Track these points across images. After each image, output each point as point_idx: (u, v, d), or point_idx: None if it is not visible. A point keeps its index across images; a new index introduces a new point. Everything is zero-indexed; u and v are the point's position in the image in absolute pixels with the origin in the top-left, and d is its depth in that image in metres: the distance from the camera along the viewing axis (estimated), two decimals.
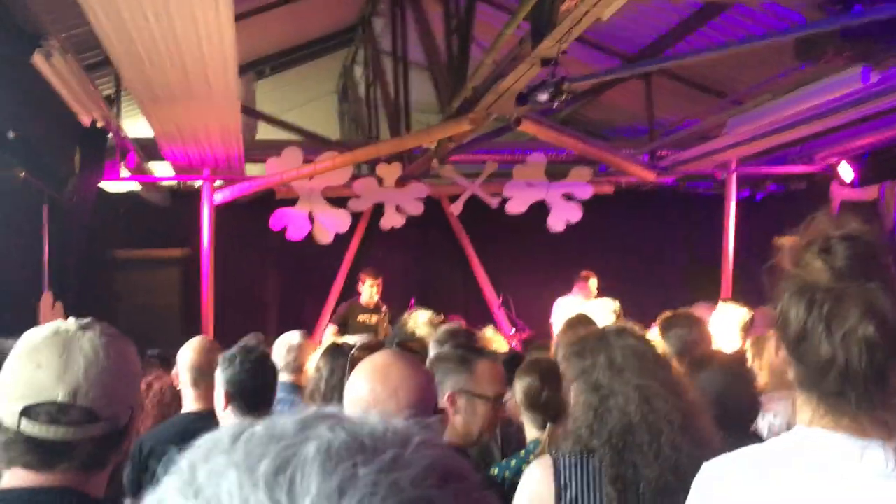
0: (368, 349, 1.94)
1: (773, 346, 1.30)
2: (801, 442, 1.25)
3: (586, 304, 6.68)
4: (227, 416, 2.71)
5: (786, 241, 1.32)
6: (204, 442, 0.48)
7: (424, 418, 1.64)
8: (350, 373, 1.73)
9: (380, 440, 0.46)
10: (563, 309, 7.20)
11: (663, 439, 1.89)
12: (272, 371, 2.84)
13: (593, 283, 7.46)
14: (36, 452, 1.29)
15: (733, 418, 2.82)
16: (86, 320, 1.42)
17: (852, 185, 8.23)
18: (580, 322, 4.37)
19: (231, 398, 2.71)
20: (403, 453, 0.45)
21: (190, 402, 3.20)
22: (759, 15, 6.42)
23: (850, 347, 1.18)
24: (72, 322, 1.40)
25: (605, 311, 4.90)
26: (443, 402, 2.21)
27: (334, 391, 3.13)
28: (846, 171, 8.18)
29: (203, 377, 3.12)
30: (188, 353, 3.23)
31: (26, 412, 1.28)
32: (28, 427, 1.28)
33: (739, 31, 6.75)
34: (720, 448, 1.88)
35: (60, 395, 1.28)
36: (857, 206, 8.05)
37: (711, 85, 8.13)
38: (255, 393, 2.72)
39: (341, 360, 3.24)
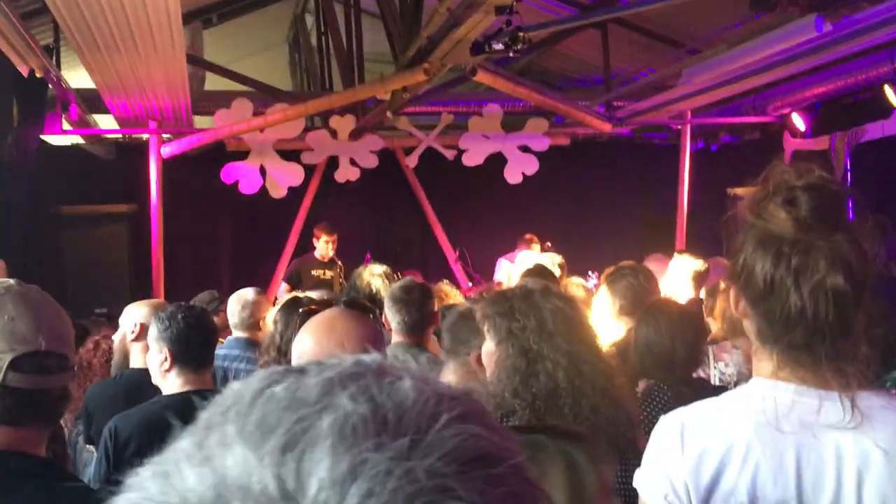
0: (317, 305, 1.90)
1: (732, 298, 1.28)
2: (760, 394, 1.24)
3: (532, 256, 6.74)
4: (171, 379, 2.64)
5: (742, 191, 1.29)
6: (228, 396, 0.45)
7: None
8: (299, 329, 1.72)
9: (405, 415, 0.42)
10: (505, 268, 7.28)
11: (584, 402, 1.89)
12: (214, 329, 2.80)
13: (536, 247, 7.43)
14: (16, 407, 1.28)
15: (679, 365, 2.86)
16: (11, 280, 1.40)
17: (804, 135, 8.31)
18: (539, 273, 4.38)
19: (175, 358, 2.64)
20: (426, 434, 0.41)
21: (138, 360, 3.14)
22: None
23: (818, 299, 1.17)
24: (11, 279, 1.37)
25: (550, 265, 4.93)
26: (471, 360, 2.22)
27: (289, 345, 3.11)
28: (798, 122, 8.25)
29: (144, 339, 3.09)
30: (137, 313, 3.17)
31: (15, 364, 1.26)
32: (15, 379, 1.26)
33: None
34: (634, 407, 1.90)
35: (44, 344, 1.28)
36: (810, 157, 8.15)
37: (668, 34, 8.10)
38: (202, 350, 2.65)
39: (296, 315, 3.21)
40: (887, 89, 7.02)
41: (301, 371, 0.45)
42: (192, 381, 2.64)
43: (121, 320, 3.35)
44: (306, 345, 1.66)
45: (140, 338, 3.12)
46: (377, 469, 0.39)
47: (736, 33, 6.81)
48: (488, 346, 2.03)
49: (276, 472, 0.39)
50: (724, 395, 1.32)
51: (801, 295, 1.18)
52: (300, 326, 1.70)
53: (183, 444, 0.43)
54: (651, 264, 4.70)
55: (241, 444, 0.41)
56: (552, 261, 5.61)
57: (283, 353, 3.17)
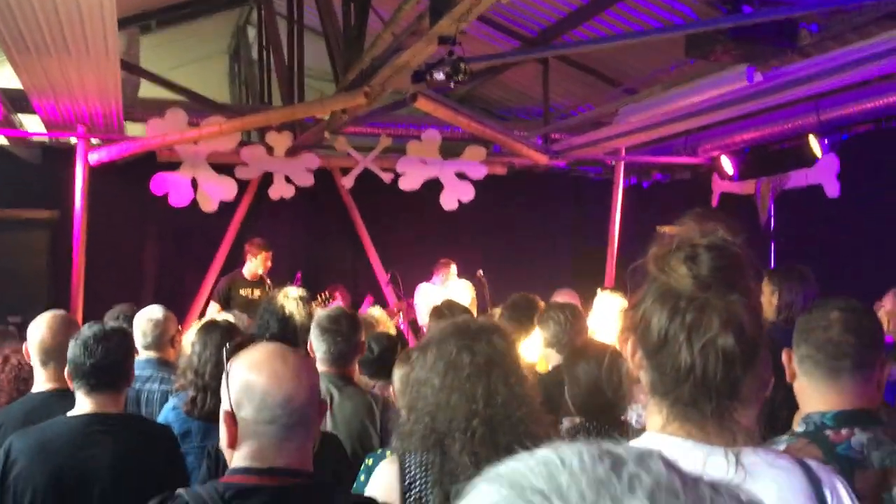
0: (244, 340, 1.83)
1: (630, 349, 1.29)
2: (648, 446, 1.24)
3: (447, 286, 6.86)
4: (80, 398, 2.59)
5: (669, 230, 1.31)
6: (564, 466, 0.46)
7: (316, 401, 1.60)
8: (228, 362, 1.64)
9: None
10: (424, 294, 7.57)
11: (500, 436, 1.90)
12: (117, 349, 2.66)
13: (453, 269, 7.74)
14: None
15: (604, 408, 2.88)
16: None
17: (732, 178, 8.57)
18: (448, 308, 4.39)
19: (71, 378, 2.60)
20: None
21: (41, 382, 3.00)
22: (654, 7, 6.54)
23: (707, 357, 1.18)
24: None
25: (463, 294, 4.97)
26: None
27: (206, 367, 3.06)
28: (727, 165, 8.51)
29: (51, 358, 2.95)
30: (38, 331, 3.02)
31: None
32: None
33: (635, 21, 6.86)
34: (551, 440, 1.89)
35: None
36: (736, 200, 8.40)
37: (606, 72, 8.27)
38: (94, 373, 2.57)
39: (215, 336, 3.15)
40: (812, 139, 7.30)
41: (618, 453, 0.47)
42: (95, 402, 2.58)
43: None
44: (259, 379, 1.56)
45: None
46: None
47: (671, 76, 7.00)
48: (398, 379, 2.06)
49: None
50: None
51: (692, 351, 1.19)
52: (228, 358, 1.62)
53: None
54: (561, 298, 4.77)
55: None
56: (466, 291, 5.66)
57: (199, 376, 3.10)
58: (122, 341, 2.71)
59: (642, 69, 7.71)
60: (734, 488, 0.47)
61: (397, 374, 2.75)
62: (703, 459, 1.18)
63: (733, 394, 1.20)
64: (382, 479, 1.96)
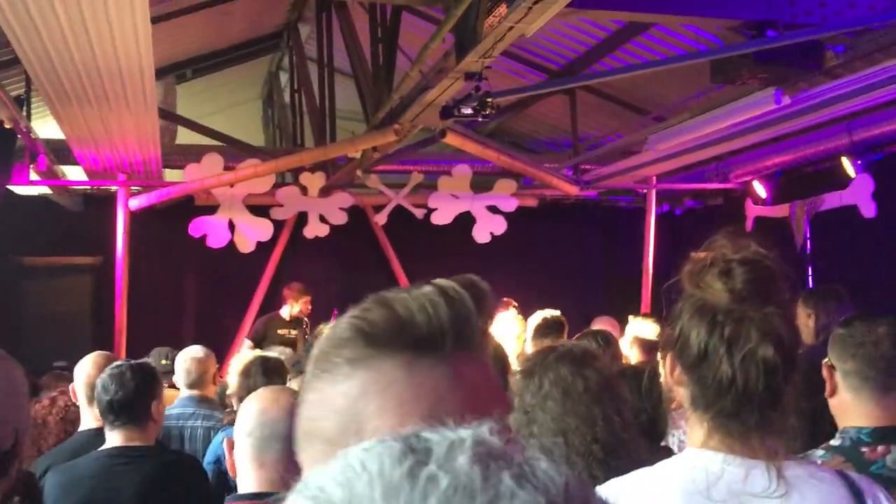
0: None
1: (668, 365, 1.31)
2: (691, 463, 1.26)
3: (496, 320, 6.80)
4: (107, 434, 2.70)
5: (689, 261, 1.33)
6: (364, 473, 0.43)
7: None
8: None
9: (571, 501, 0.43)
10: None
11: (612, 459, 1.90)
12: (133, 385, 2.73)
13: (513, 311, 7.46)
14: None
15: (644, 433, 2.87)
16: None
17: (765, 202, 8.51)
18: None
19: (100, 415, 2.73)
20: None
21: (89, 420, 3.09)
22: (678, 36, 6.59)
23: (748, 369, 1.21)
24: None
25: (512, 327, 4.99)
26: None
27: None
28: (759, 189, 8.45)
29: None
30: (83, 371, 3.12)
31: None
32: None
33: (660, 50, 6.91)
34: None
35: None
36: (771, 223, 8.34)
37: (633, 102, 8.31)
38: (111, 408, 2.67)
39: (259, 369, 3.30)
40: (845, 161, 7.24)
41: (427, 447, 0.45)
42: (119, 437, 2.69)
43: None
44: (250, 417, 1.81)
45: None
46: None
47: (698, 103, 7.02)
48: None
49: None
50: (658, 465, 1.34)
51: (732, 363, 1.21)
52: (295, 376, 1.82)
53: None
54: (600, 326, 4.76)
55: None
56: (515, 320, 5.67)
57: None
58: (137, 377, 2.76)
59: (669, 97, 7.74)
60: (547, 480, 0.43)
61: None
62: (744, 475, 1.20)
63: (775, 404, 1.22)
64: None
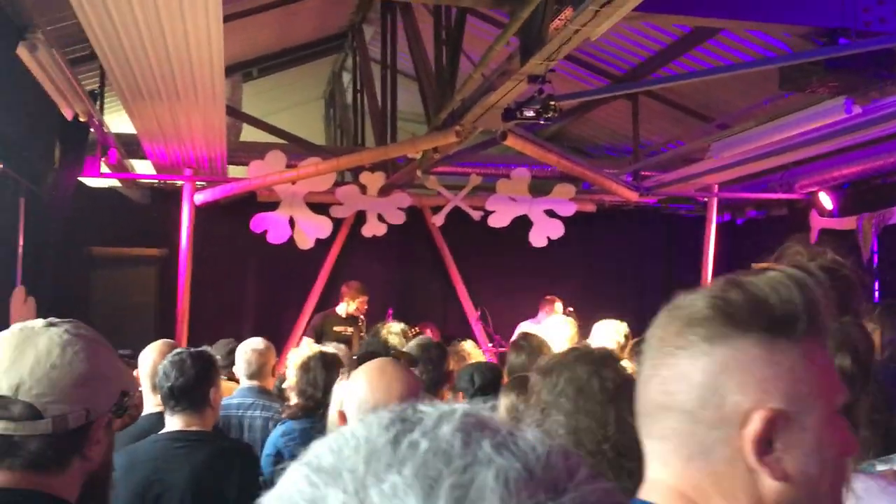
0: (368, 355, 2.06)
1: None
2: None
3: (547, 322, 6.69)
4: (167, 418, 2.79)
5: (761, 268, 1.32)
6: (353, 440, 0.45)
7: None
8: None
9: (550, 469, 0.44)
10: (526, 331, 7.13)
11: (625, 461, 1.90)
12: (192, 372, 2.81)
13: (558, 306, 7.42)
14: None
15: None
16: (57, 319, 1.41)
17: (831, 214, 8.31)
18: (524, 339, 4.39)
19: (161, 401, 2.82)
20: (574, 490, 0.43)
21: (151, 406, 3.19)
22: (746, 42, 6.49)
23: None
24: (40, 320, 1.39)
25: (563, 329, 4.95)
26: None
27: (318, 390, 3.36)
28: (826, 201, 8.26)
29: None
30: (147, 358, 3.22)
31: None
32: None
33: (726, 56, 6.81)
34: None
35: (3, 389, 1.28)
36: (836, 235, 8.13)
37: (697, 108, 8.20)
38: (171, 394, 2.75)
39: (319, 364, 3.38)
40: None
41: (418, 418, 0.46)
42: (178, 421, 2.77)
43: None
44: (359, 385, 1.86)
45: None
46: None
47: (765, 111, 6.89)
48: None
49: None
50: None
51: None
52: (351, 371, 1.91)
53: (332, 495, 0.42)
54: None
55: (415, 497, 0.41)
56: (567, 323, 5.64)
57: (308, 398, 3.33)
58: (197, 365, 2.83)
59: (735, 104, 7.61)
60: (528, 449, 0.44)
61: (504, 402, 2.79)
62: None
63: (848, 415, 1.21)
64: None
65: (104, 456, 1.41)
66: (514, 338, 7.43)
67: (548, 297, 7.62)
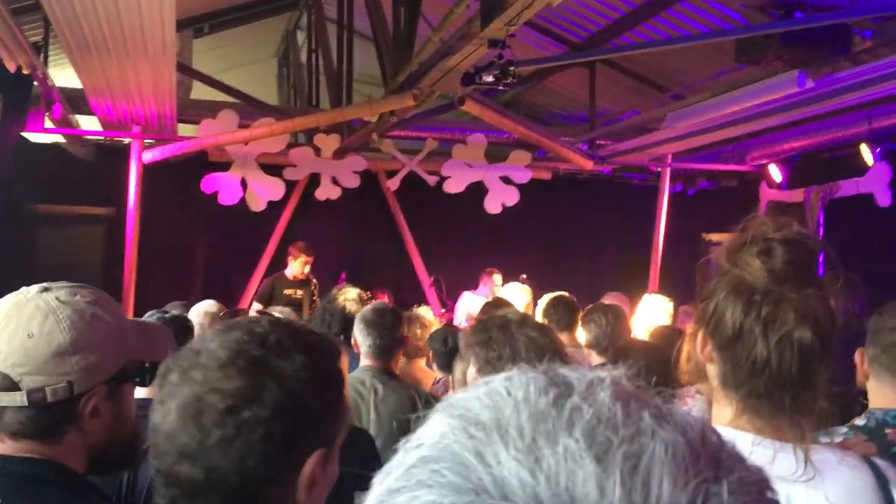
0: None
1: (699, 341, 1.30)
2: None
3: (504, 290, 6.75)
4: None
5: (716, 237, 1.32)
6: (511, 399, 0.45)
7: None
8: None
9: (709, 447, 0.44)
10: (466, 301, 7.23)
11: None
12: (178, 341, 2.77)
13: (497, 278, 7.46)
14: None
15: None
16: (53, 284, 1.33)
17: (780, 186, 8.46)
18: (498, 305, 4.42)
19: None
20: (731, 466, 0.44)
21: None
22: (703, 13, 6.51)
23: (783, 350, 1.19)
24: (36, 286, 1.32)
25: (519, 297, 4.99)
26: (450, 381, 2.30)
27: None
28: (775, 173, 8.40)
29: None
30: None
31: None
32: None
33: (683, 27, 6.84)
34: None
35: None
36: (784, 208, 8.29)
37: (653, 78, 8.24)
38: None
39: None
40: (863, 148, 7.18)
41: (567, 381, 0.46)
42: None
43: None
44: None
45: None
46: (718, 500, 0.41)
47: (720, 82, 6.95)
48: (471, 373, 2.06)
49: (627, 497, 0.39)
50: None
51: (767, 344, 1.20)
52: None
53: (506, 454, 0.42)
54: (609, 301, 4.77)
55: (592, 461, 0.40)
56: (522, 291, 5.69)
57: None
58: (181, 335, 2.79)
59: (691, 75, 7.67)
60: (685, 423, 0.44)
61: (459, 368, 2.80)
62: (771, 457, 1.19)
63: (808, 387, 1.21)
64: None
65: (111, 429, 1.33)
66: (462, 307, 7.45)
67: (488, 269, 7.64)
